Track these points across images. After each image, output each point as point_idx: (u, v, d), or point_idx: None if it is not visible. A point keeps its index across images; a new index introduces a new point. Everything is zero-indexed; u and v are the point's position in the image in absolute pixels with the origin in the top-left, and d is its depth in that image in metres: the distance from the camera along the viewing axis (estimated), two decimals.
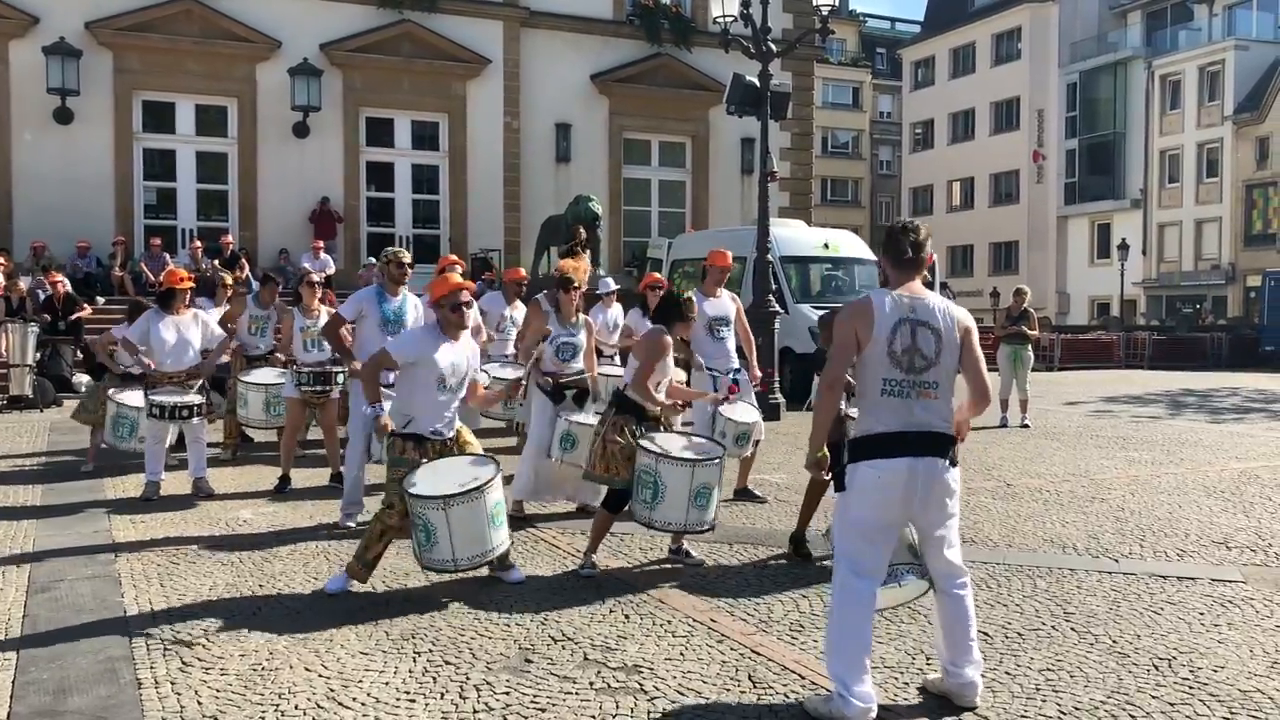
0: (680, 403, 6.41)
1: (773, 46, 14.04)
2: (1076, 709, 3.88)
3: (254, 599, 5.26)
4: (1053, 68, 46.66)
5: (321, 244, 19.90)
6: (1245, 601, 5.25)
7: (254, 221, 21.44)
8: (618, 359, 9.57)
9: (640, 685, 4.10)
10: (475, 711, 3.87)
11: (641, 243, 23.39)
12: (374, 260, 16.38)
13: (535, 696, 3.99)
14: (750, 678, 4.19)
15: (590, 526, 5.94)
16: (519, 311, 8.86)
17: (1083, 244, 46.75)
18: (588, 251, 14.17)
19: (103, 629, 4.78)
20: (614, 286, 10.06)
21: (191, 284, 8.33)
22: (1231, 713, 3.86)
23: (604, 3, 24.08)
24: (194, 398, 7.77)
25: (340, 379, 7.90)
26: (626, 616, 4.97)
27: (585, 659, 4.39)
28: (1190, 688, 4.09)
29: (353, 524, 6.76)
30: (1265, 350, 29.51)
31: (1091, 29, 46.92)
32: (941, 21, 52.65)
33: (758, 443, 7.48)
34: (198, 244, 19.61)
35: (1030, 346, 13.55)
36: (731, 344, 7.68)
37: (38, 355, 14.69)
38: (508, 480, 6.38)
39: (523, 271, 10.22)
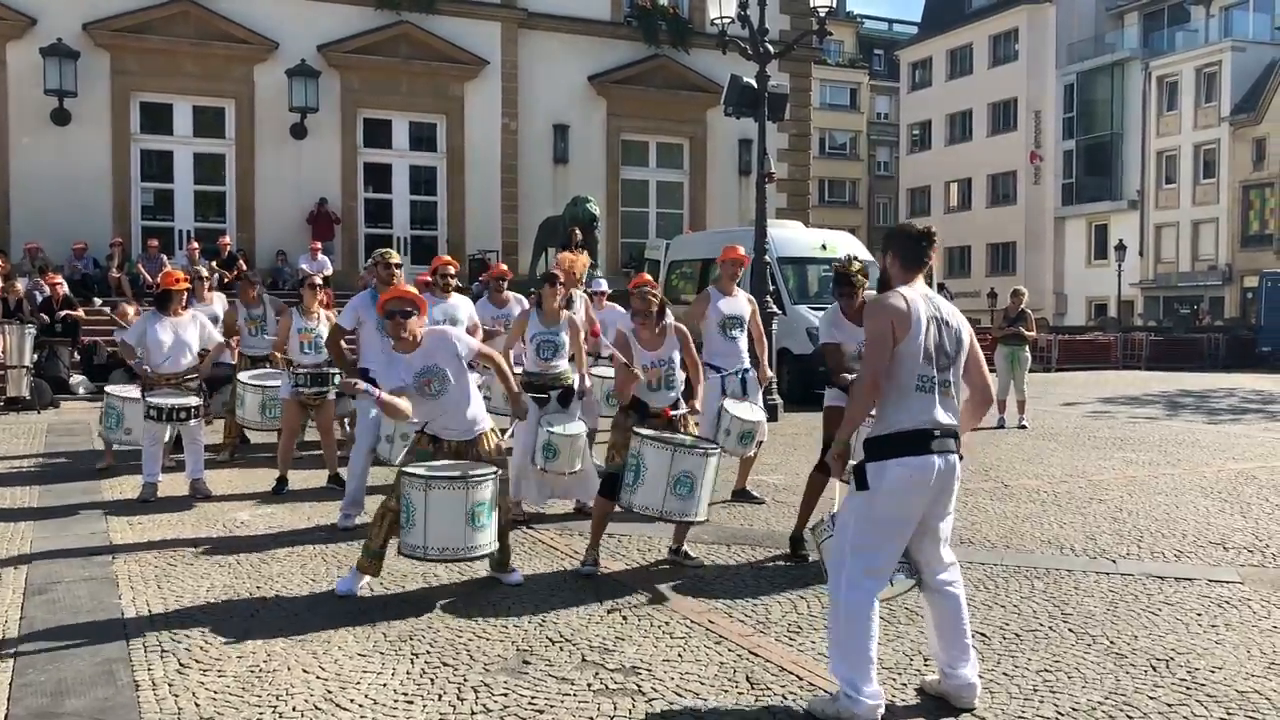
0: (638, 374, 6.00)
1: (770, 48, 14.06)
2: (1074, 710, 3.88)
3: (252, 600, 5.26)
4: (1050, 69, 46.70)
5: (319, 245, 19.87)
6: (1242, 602, 5.25)
7: (251, 223, 21.45)
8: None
9: (638, 686, 4.11)
10: (473, 713, 3.86)
11: (639, 244, 23.39)
12: None
13: (533, 698, 3.99)
14: (748, 679, 4.19)
15: (589, 527, 5.95)
16: (509, 308, 8.81)
17: (1080, 245, 46.78)
18: (584, 252, 14.16)
19: (100, 631, 4.77)
20: (604, 287, 10.02)
21: (188, 286, 8.33)
22: (1229, 713, 3.87)
23: (602, 4, 24.11)
24: (191, 399, 7.76)
25: (337, 380, 7.88)
26: (624, 618, 4.97)
27: (583, 660, 4.39)
28: (1188, 688, 4.10)
29: (351, 525, 6.75)
30: (1262, 351, 29.54)
31: (1088, 30, 46.97)
32: (939, 22, 52.68)
33: (760, 443, 7.47)
34: (195, 245, 19.62)
35: (1028, 347, 13.59)
36: (743, 343, 7.65)
37: (35, 357, 14.68)
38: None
39: (504, 266, 10.11)
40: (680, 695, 4.02)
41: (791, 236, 17.17)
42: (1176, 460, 10.14)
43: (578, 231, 16.62)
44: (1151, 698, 4.00)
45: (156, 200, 21.35)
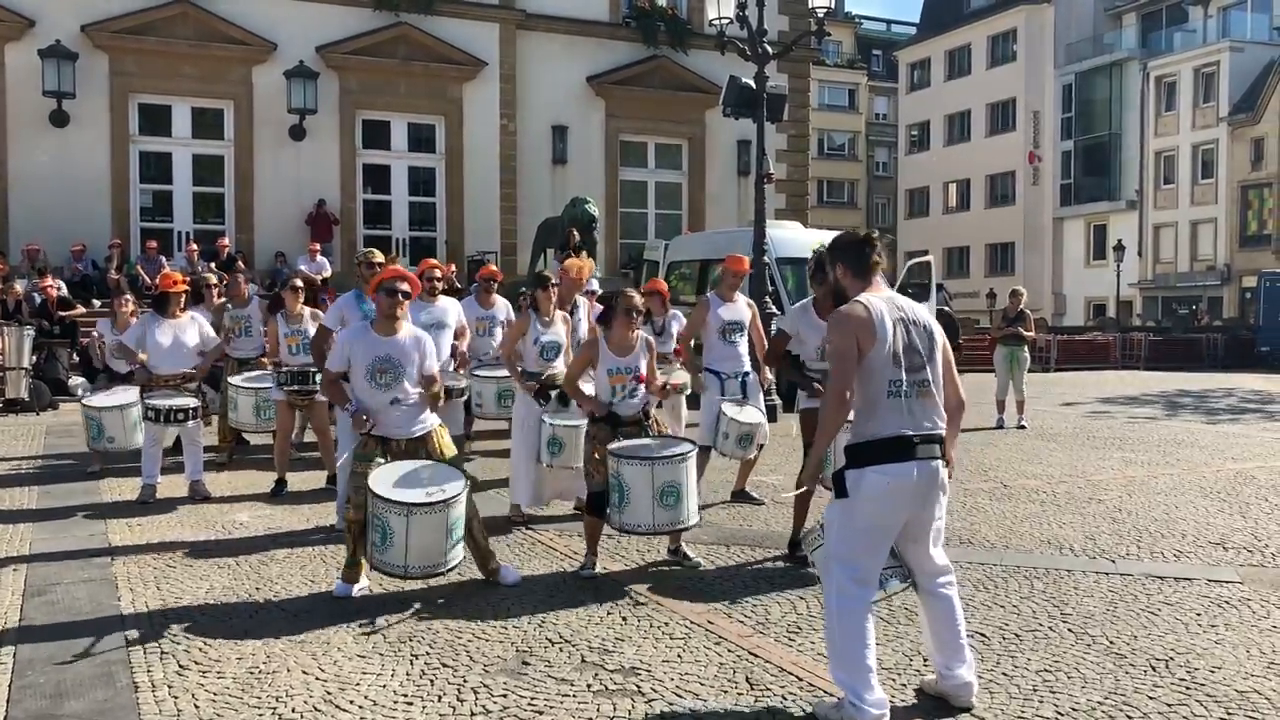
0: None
1: (769, 48, 14.06)
2: (1074, 710, 3.88)
3: (251, 602, 5.26)
4: (1048, 69, 46.74)
5: (318, 246, 19.87)
6: (1242, 602, 5.25)
7: (250, 224, 21.43)
8: None
9: (637, 687, 4.10)
10: (473, 714, 3.86)
11: (638, 244, 23.38)
12: None
13: (532, 699, 3.99)
14: (748, 679, 4.19)
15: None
16: (494, 311, 8.79)
17: (1079, 245, 46.80)
18: (583, 252, 14.16)
19: (99, 632, 4.77)
20: (594, 287, 10.00)
21: (186, 287, 8.33)
22: (1228, 713, 3.87)
23: (600, 5, 24.11)
24: (189, 400, 7.76)
25: (319, 379, 7.86)
26: (624, 618, 4.97)
27: (583, 661, 4.39)
28: (1187, 688, 4.10)
29: None
30: (1261, 351, 29.57)
31: (1087, 30, 47.00)
32: (937, 23, 52.72)
33: (761, 446, 7.47)
34: (194, 247, 19.62)
35: (1026, 347, 13.59)
36: (743, 348, 7.64)
37: (34, 358, 14.68)
38: (478, 490, 6.35)
39: (494, 268, 10.08)
40: (680, 696, 4.02)
41: (790, 237, 17.16)
42: (1175, 460, 10.14)
43: (575, 234, 16.60)
44: (1151, 698, 4.00)
45: (155, 201, 21.33)
